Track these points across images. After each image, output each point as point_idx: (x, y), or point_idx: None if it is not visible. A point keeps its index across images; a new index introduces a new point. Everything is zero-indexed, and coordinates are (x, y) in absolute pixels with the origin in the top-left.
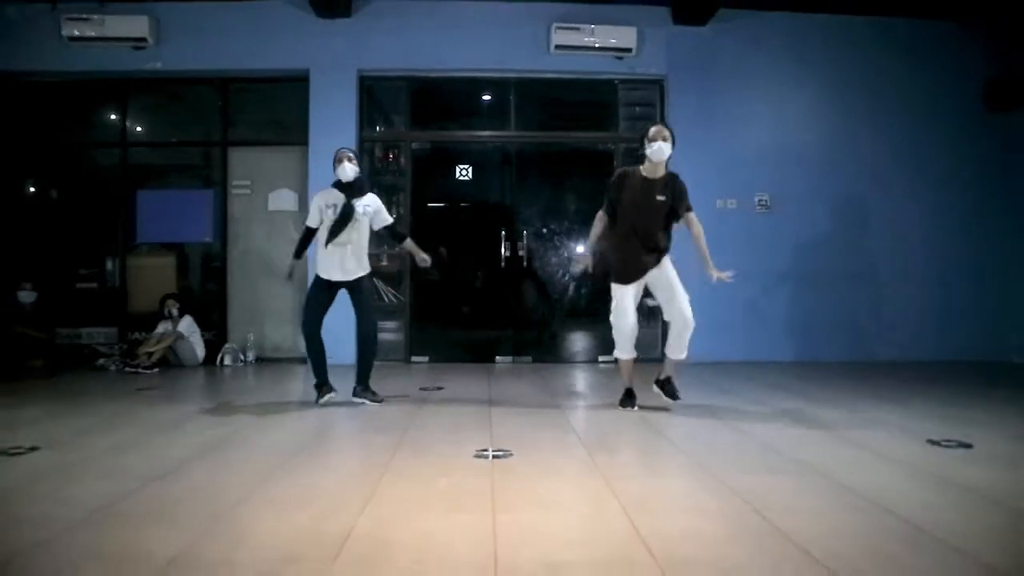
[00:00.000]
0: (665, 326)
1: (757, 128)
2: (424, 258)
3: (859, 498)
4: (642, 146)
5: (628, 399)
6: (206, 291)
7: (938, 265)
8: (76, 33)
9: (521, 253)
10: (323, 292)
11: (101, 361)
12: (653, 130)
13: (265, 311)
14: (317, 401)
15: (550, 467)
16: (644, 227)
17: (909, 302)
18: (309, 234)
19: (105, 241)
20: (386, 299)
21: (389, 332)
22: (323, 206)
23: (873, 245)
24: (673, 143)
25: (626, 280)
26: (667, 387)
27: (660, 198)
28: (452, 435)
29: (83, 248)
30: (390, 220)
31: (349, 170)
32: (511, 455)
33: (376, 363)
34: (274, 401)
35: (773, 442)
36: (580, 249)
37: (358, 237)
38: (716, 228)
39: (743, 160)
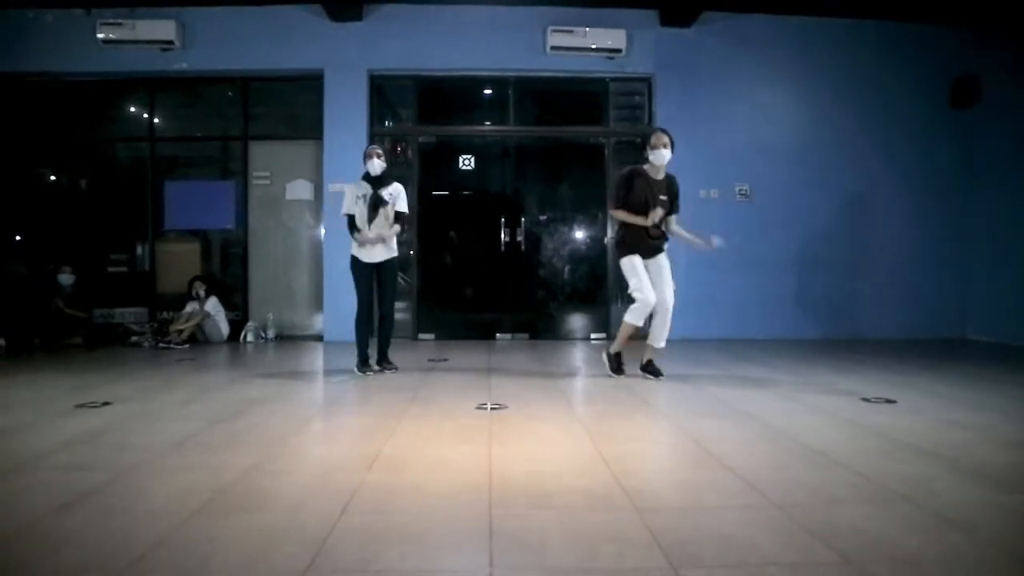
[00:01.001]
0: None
1: (738, 123)
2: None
3: (778, 434)
4: (644, 150)
5: (620, 366)
6: (229, 274)
7: (906, 248)
8: (110, 36)
9: (520, 239)
10: (365, 273)
11: (134, 339)
12: (654, 137)
13: (283, 293)
14: (363, 373)
15: (538, 416)
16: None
17: (878, 283)
18: (352, 220)
19: (135, 228)
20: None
21: (398, 312)
22: (356, 196)
23: (847, 230)
24: (672, 147)
25: (643, 254)
26: (651, 368)
27: (662, 197)
28: (457, 393)
29: (115, 235)
30: (403, 209)
31: (378, 166)
32: (506, 408)
33: None
34: (302, 370)
35: (726, 398)
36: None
37: (387, 222)
38: (700, 216)
39: (725, 153)
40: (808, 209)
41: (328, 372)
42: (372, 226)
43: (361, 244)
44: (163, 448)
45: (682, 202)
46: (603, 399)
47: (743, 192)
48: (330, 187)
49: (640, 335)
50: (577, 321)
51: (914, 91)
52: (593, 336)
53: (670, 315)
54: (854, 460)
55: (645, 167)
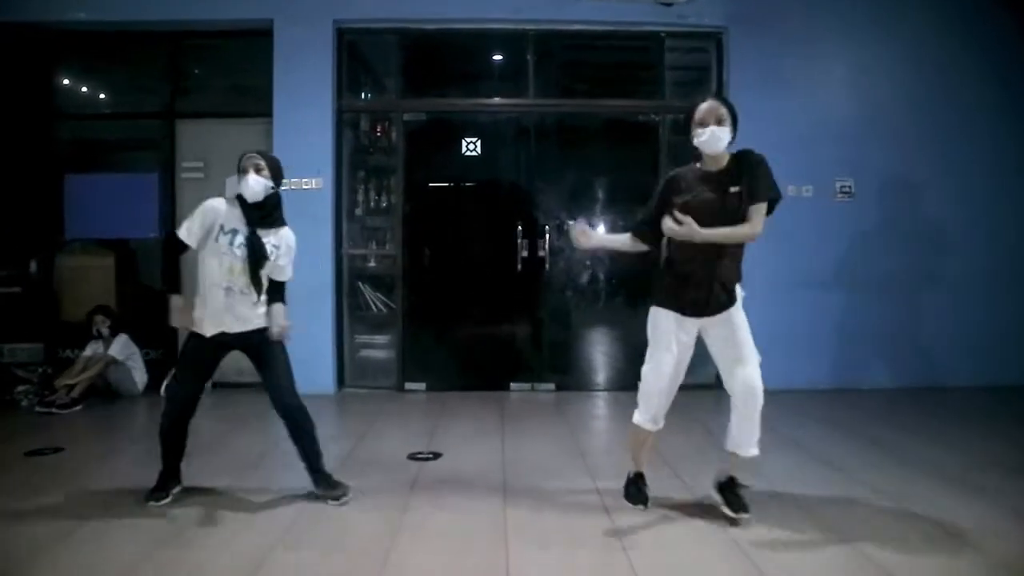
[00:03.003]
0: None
1: (839, 94)
2: (280, 327)
3: None
4: (689, 132)
5: (641, 491)
6: (151, 299)
7: None
8: None
9: (542, 253)
10: (205, 355)
11: (19, 390)
12: (699, 112)
13: None
14: (156, 501)
15: None
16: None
17: None
18: (178, 246)
19: (29, 236)
20: (374, 308)
21: (378, 349)
22: (216, 225)
23: (994, 243)
24: (735, 124)
25: (683, 309)
26: (730, 491)
27: (732, 189)
28: None
29: (2, 244)
30: (287, 277)
31: (255, 185)
32: None
33: (363, 392)
34: (197, 495)
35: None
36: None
37: (256, 289)
38: (785, 223)
39: (821, 136)
40: (938, 213)
41: (267, 495)
42: (224, 286)
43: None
44: None
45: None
46: None
47: (846, 189)
48: (228, 188)
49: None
50: (619, 365)
51: None
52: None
53: (758, 405)
54: None
55: (696, 164)
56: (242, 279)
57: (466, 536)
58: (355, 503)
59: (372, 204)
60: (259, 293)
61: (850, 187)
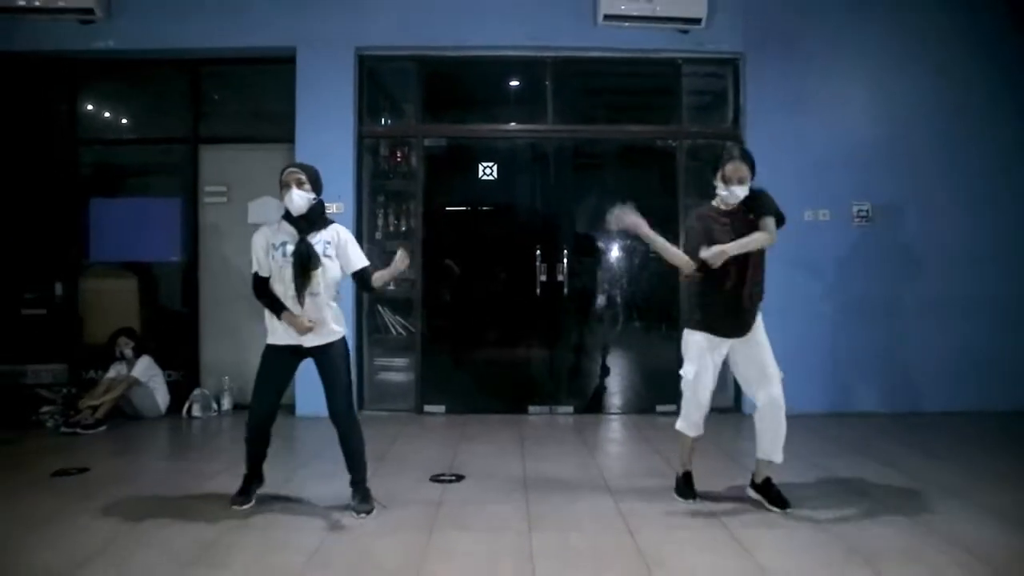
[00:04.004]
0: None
1: (857, 120)
2: (400, 266)
3: None
4: (714, 177)
5: (689, 487)
6: (174, 321)
7: None
8: (5, 3)
9: (560, 277)
10: (279, 364)
11: (44, 411)
12: (730, 167)
13: (245, 346)
14: (240, 506)
15: None
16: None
17: None
18: (262, 282)
19: (54, 259)
20: (393, 331)
21: (397, 372)
22: (271, 245)
23: (1015, 267)
24: (752, 173)
25: (719, 330)
26: (769, 489)
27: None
28: None
29: (28, 267)
30: (363, 262)
31: (299, 200)
32: None
33: (383, 415)
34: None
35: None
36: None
37: (324, 286)
38: (802, 246)
39: (838, 160)
40: (957, 237)
41: (270, 511)
42: (304, 298)
43: (289, 325)
44: None
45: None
46: None
47: (863, 214)
48: (251, 212)
49: None
50: (637, 388)
51: None
52: (659, 408)
53: (782, 418)
54: None
55: (713, 203)
56: (300, 281)
57: (493, 558)
58: (381, 525)
59: (392, 228)
60: (325, 294)
61: (867, 211)
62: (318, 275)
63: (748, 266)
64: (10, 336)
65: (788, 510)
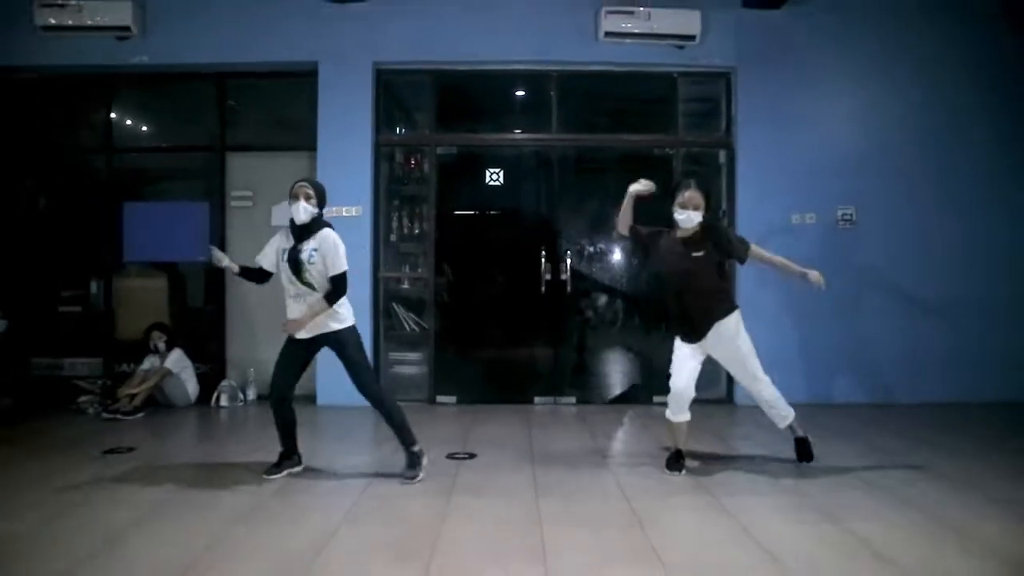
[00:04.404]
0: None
1: (842, 129)
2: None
3: None
4: (672, 201)
5: (679, 462)
6: (201, 318)
7: None
8: (51, 22)
9: (564, 276)
10: (292, 351)
11: (82, 400)
12: (687, 194)
13: (269, 341)
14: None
15: None
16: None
17: None
18: (258, 271)
19: (89, 259)
20: (407, 327)
21: (411, 366)
22: (280, 249)
23: (987, 268)
24: (707, 206)
25: (683, 336)
26: (803, 447)
27: (695, 254)
28: (495, 565)
29: (65, 267)
30: (337, 270)
31: (304, 212)
32: None
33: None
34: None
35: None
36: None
37: (317, 285)
38: (791, 248)
39: (824, 167)
40: (934, 240)
41: (308, 481)
42: (291, 296)
43: (290, 329)
44: None
45: (770, 229)
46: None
47: (847, 217)
48: (275, 216)
49: None
50: (635, 380)
51: None
52: (656, 399)
53: (773, 406)
54: None
55: (672, 229)
56: (297, 284)
57: (506, 518)
58: (406, 490)
59: (406, 231)
60: (330, 301)
61: (851, 215)
62: (307, 277)
63: (691, 282)
64: (49, 332)
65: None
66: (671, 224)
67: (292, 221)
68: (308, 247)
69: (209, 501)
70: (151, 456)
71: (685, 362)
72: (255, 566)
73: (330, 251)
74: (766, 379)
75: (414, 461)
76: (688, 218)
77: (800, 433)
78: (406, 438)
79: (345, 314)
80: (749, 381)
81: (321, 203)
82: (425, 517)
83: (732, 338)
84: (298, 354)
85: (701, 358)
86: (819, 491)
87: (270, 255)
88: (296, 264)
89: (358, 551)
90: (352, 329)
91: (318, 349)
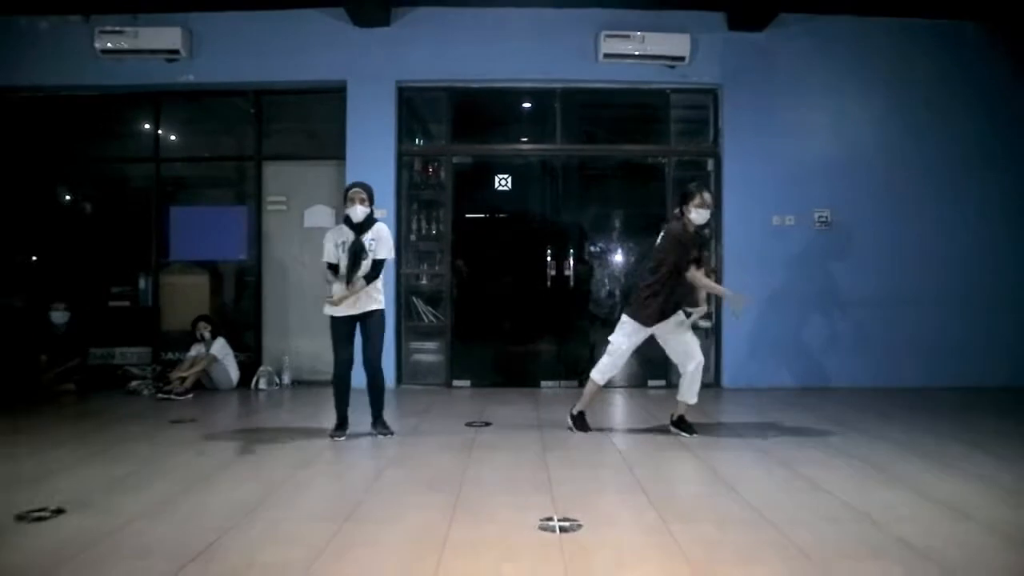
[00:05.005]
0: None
1: (817, 140)
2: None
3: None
4: (685, 201)
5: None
6: (240, 311)
7: (1014, 286)
8: (109, 46)
9: (568, 272)
10: (344, 329)
11: (134, 384)
12: (704, 196)
13: (301, 332)
14: (334, 438)
15: (626, 541)
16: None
17: (986, 324)
18: (334, 269)
19: (138, 258)
20: (425, 319)
21: (430, 354)
22: (336, 243)
23: (945, 264)
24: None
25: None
26: (683, 424)
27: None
28: (508, 495)
29: (116, 265)
30: (384, 255)
31: (360, 212)
32: (580, 526)
33: (417, 388)
34: (313, 439)
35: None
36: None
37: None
38: (772, 247)
39: (802, 174)
40: (900, 239)
41: (350, 445)
42: (353, 279)
43: (336, 303)
44: None
45: (753, 230)
46: (699, 499)
47: (823, 219)
48: (307, 218)
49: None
50: (631, 367)
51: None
52: (651, 383)
53: (691, 381)
54: None
55: (684, 222)
56: (351, 266)
57: (518, 464)
58: (433, 447)
59: (424, 232)
60: (368, 280)
61: (827, 217)
62: (364, 263)
63: (688, 271)
64: (101, 324)
65: (694, 436)
66: (659, 225)
67: (349, 219)
68: (367, 238)
69: (273, 453)
70: (211, 426)
71: (630, 337)
72: (320, 492)
73: (385, 240)
74: (700, 358)
75: (384, 424)
76: (705, 217)
77: (681, 412)
78: (381, 409)
79: (383, 298)
80: (684, 358)
81: (372, 203)
82: (452, 464)
83: (683, 319)
84: (349, 331)
85: (645, 337)
86: (780, 448)
87: (331, 250)
88: (359, 252)
89: (401, 483)
90: (384, 312)
91: (357, 324)
